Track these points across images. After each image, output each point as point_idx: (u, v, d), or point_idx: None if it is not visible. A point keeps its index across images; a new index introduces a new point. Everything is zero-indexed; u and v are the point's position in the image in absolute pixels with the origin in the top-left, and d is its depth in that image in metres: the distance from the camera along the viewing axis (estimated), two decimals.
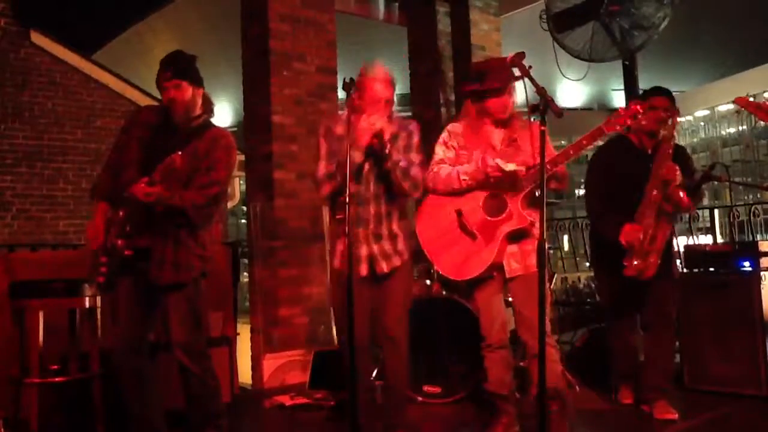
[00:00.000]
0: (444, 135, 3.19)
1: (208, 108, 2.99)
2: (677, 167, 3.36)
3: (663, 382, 3.57)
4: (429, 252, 3.14)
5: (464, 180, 2.99)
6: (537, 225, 2.89)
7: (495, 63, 3.11)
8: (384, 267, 3.03)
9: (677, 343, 4.42)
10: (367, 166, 3.02)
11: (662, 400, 3.52)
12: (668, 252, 3.54)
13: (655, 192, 3.36)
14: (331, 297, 3.23)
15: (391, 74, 3.07)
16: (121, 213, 2.79)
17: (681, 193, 3.30)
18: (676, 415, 3.45)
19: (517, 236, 2.99)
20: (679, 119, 3.59)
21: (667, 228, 3.41)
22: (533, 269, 2.87)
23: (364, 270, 3.01)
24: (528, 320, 2.91)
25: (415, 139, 3.12)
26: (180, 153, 2.65)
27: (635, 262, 3.33)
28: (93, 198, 2.97)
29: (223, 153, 2.90)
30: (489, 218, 2.97)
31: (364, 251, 3.02)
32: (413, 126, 3.16)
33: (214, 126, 2.98)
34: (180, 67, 2.89)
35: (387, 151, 2.93)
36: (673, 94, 3.73)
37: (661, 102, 3.54)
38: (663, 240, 3.37)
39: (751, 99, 3.41)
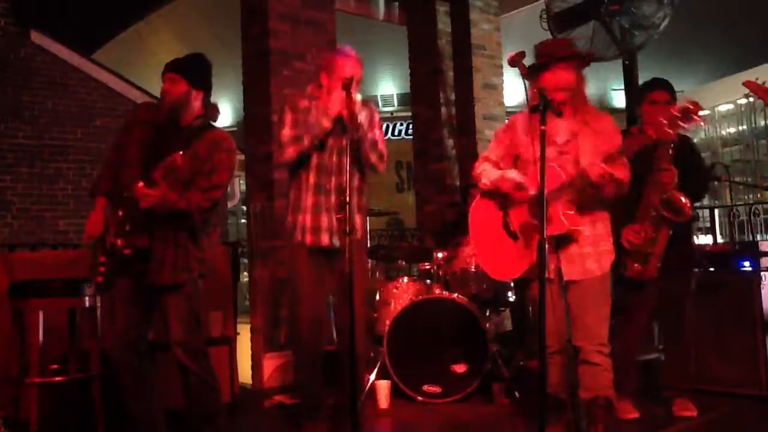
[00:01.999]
0: (501, 127, 3.23)
1: (211, 113, 3.01)
2: (676, 172, 3.27)
3: (679, 381, 3.51)
4: (476, 248, 3.23)
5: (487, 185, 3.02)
6: (588, 230, 2.88)
7: (554, 41, 3.06)
8: (338, 241, 3.10)
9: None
10: (331, 140, 3.13)
11: (680, 397, 3.48)
12: (683, 246, 3.46)
13: (653, 195, 3.29)
14: (292, 271, 3.23)
15: (359, 56, 3.18)
16: (120, 212, 2.79)
17: (683, 198, 3.23)
18: (695, 413, 3.42)
19: (563, 241, 2.88)
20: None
21: (668, 230, 3.32)
22: (593, 274, 2.88)
23: (325, 239, 3.11)
24: (586, 327, 2.89)
25: (376, 117, 3.28)
26: (181, 153, 2.66)
27: (635, 265, 3.30)
28: (92, 196, 2.97)
29: (225, 156, 2.91)
30: (531, 219, 2.89)
31: (325, 222, 3.11)
32: (372, 105, 3.34)
33: (215, 128, 2.99)
34: (181, 64, 2.92)
35: (358, 120, 3.00)
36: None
37: (662, 96, 3.43)
38: (664, 243, 3.31)
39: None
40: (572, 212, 2.85)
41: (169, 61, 2.94)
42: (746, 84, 3.32)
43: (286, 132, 3.13)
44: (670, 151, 3.31)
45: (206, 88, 2.97)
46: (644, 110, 3.48)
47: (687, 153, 3.47)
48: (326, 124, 3.06)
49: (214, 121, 3.04)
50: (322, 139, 3.10)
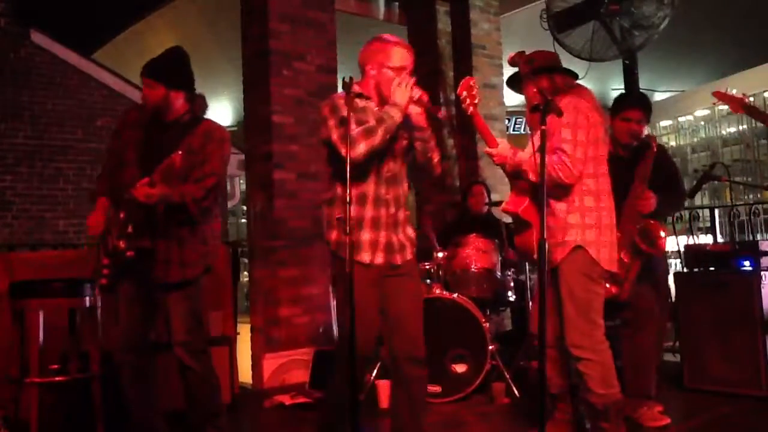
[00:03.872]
0: None
1: (198, 107, 2.99)
2: (653, 199, 3.27)
3: (647, 388, 3.38)
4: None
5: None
6: (551, 221, 2.85)
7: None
8: (398, 259, 2.68)
9: (677, 343, 4.42)
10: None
11: (643, 407, 3.36)
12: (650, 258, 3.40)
13: (630, 222, 3.26)
14: (344, 294, 2.55)
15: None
16: (121, 214, 2.79)
17: (662, 232, 3.24)
18: (668, 419, 3.33)
19: (523, 227, 3.00)
20: (650, 132, 3.49)
21: (639, 258, 3.26)
22: (551, 266, 2.85)
23: (380, 258, 2.63)
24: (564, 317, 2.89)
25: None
26: (180, 153, 2.66)
27: (607, 285, 3.14)
28: (92, 201, 2.98)
29: (216, 145, 2.90)
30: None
31: (383, 238, 2.64)
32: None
33: (206, 120, 2.98)
34: (156, 68, 2.90)
35: (429, 118, 2.63)
36: (673, 93, 3.71)
37: (635, 114, 3.42)
38: (636, 270, 3.26)
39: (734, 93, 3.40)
40: (515, 196, 3.01)
41: (145, 64, 2.92)
42: (714, 94, 3.41)
43: (354, 126, 2.52)
44: (644, 182, 3.29)
45: (185, 85, 2.95)
46: (615, 125, 3.47)
47: (662, 163, 3.46)
48: (398, 117, 2.55)
49: (203, 114, 3.02)
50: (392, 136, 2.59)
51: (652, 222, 3.27)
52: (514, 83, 3.11)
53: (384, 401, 3.94)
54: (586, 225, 2.89)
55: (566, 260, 2.87)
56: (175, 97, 2.91)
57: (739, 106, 3.48)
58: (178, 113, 2.93)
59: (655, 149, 3.39)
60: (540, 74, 2.92)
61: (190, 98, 2.96)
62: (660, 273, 3.63)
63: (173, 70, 2.92)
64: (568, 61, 5.25)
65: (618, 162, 3.40)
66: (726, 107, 3.95)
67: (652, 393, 3.39)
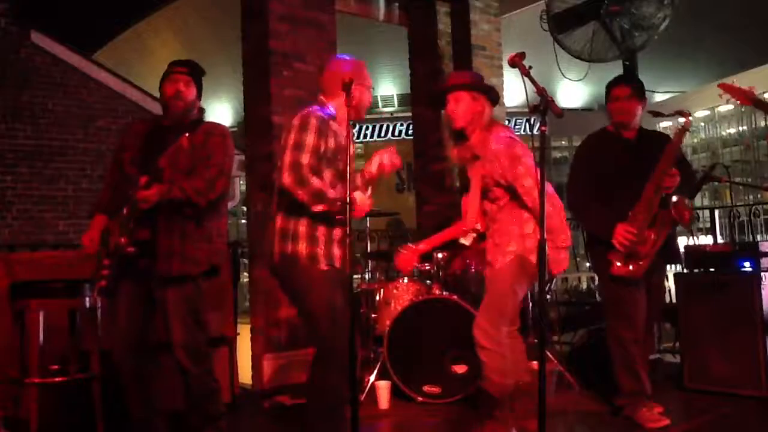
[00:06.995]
0: None
1: (201, 113, 3.07)
2: (678, 176, 3.26)
3: (644, 386, 3.38)
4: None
5: None
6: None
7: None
8: None
9: (677, 344, 4.43)
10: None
11: (644, 407, 3.33)
12: (668, 249, 3.44)
13: (653, 195, 3.26)
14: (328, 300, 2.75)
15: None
16: (125, 210, 2.80)
17: (686, 213, 3.23)
18: (668, 420, 3.30)
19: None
20: (688, 119, 3.46)
21: (666, 232, 3.29)
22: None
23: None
24: None
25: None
26: (187, 135, 2.72)
27: (618, 264, 3.24)
28: (90, 217, 2.98)
29: (218, 140, 2.94)
30: None
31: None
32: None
33: (207, 121, 3.04)
34: (197, 69, 3.00)
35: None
36: (674, 94, 3.71)
37: (621, 91, 3.43)
38: (660, 244, 3.27)
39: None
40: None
41: (184, 61, 3.01)
42: (720, 86, 3.27)
43: (318, 182, 2.69)
44: (672, 156, 3.27)
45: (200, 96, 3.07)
46: (609, 108, 3.51)
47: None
48: (361, 189, 2.92)
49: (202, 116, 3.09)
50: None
51: (677, 196, 3.27)
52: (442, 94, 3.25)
53: (384, 402, 3.94)
54: (525, 235, 3.05)
55: (506, 265, 3.05)
56: (197, 105, 3.00)
57: (747, 99, 3.31)
58: (190, 119, 2.96)
59: (690, 123, 3.39)
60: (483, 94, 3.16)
61: (200, 107, 3.05)
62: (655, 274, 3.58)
63: (201, 78, 3.05)
64: (568, 62, 5.28)
65: (625, 144, 3.47)
66: (727, 108, 3.96)
67: (647, 390, 3.37)
